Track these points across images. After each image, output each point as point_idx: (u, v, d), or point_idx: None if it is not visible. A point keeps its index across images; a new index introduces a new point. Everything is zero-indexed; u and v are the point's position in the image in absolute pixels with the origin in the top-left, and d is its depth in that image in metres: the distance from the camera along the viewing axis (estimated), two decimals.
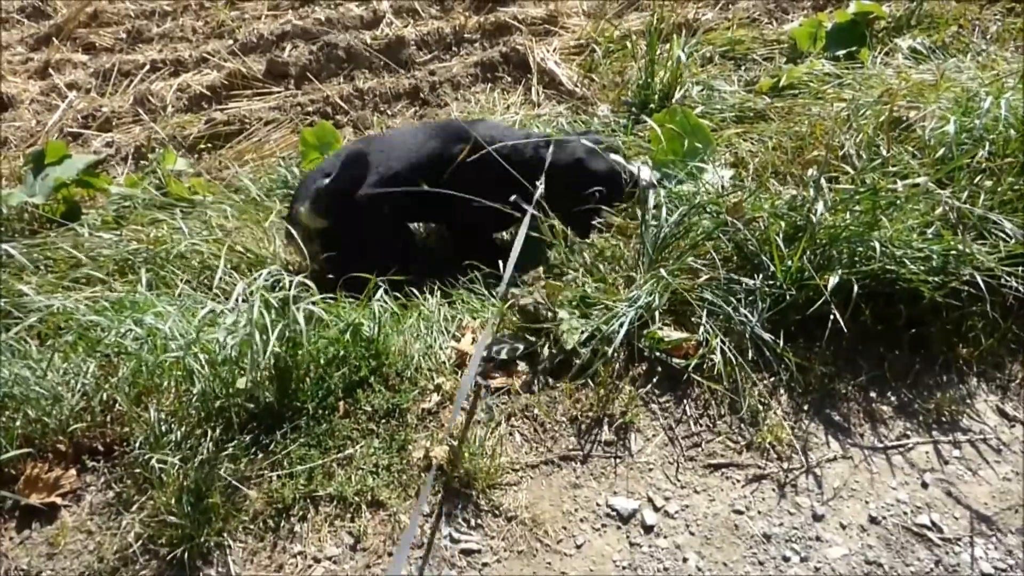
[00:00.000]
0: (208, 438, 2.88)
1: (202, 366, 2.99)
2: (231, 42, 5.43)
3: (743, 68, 4.91)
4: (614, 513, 2.77)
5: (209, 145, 4.84)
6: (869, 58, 4.65)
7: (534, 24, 5.39)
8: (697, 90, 4.66)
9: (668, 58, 4.57)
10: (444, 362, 3.18)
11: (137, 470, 2.79)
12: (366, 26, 5.49)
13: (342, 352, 3.14)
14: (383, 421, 3.02)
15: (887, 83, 4.04)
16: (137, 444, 2.82)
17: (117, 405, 2.97)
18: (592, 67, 4.93)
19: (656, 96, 4.50)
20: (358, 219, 3.65)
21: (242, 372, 3.05)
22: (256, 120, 4.91)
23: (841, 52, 4.59)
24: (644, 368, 3.13)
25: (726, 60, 4.95)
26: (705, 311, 3.12)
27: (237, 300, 3.02)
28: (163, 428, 2.82)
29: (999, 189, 3.16)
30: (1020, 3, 5.16)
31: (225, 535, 2.64)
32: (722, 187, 3.66)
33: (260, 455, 2.89)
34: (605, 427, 3.01)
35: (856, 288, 2.99)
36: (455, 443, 2.88)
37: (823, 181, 3.15)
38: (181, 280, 3.55)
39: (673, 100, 4.49)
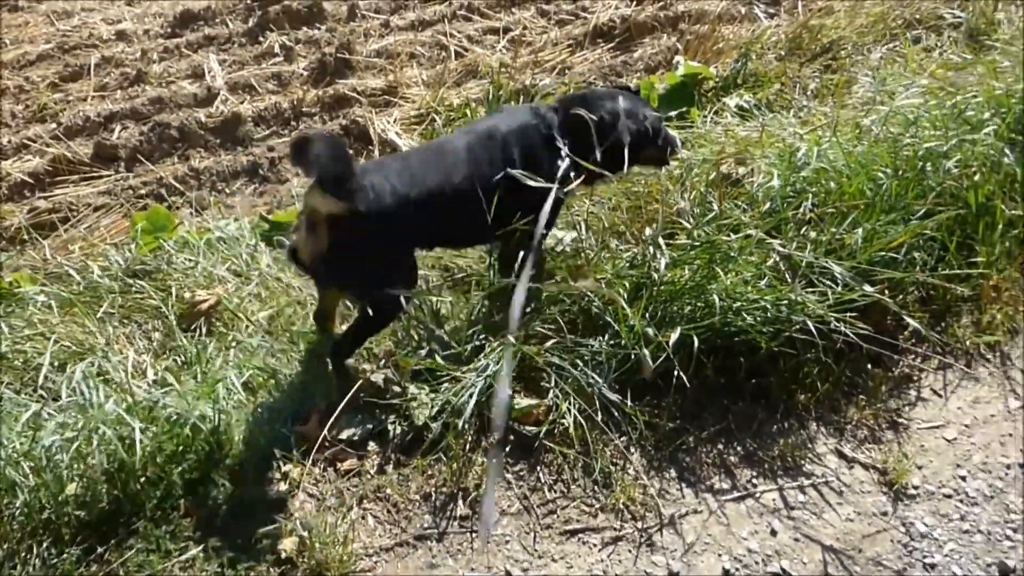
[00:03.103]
0: (34, 555, 2.68)
1: (25, 475, 2.79)
2: (54, 126, 5.20)
3: None
4: None
5: (34, 235, 4.58)
6: (699, 117, 4.85)
7: (374, 95, 5.39)
8: None
9: None
10: (292, 449, 3.06)
11: None
12: (200, 104, 5.36)
13: (182, 447, 2.99)
14: (228, 516, 2.87)
15: (715, 141, 4.20)
16: None
17: None
18: (435, 136, 4.96)
19: None
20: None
21: (72, 478, 2.86)
22: (84, 206, 4.68)
23: (673, 113, 4.77)
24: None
25: None
26: (554, 376, 3.13)
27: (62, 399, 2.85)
28: None
29: (823, 239, 3.30)
30: (836, 60, 5.50)
31: None
32: (564, 250, 3.70)
33: (94, 567, 2.70)
34: (460, 502, 2.96)
35: (696, 342, 3.06)
36: (305, 533, 2.77)
37: (660, 239, 3.23)
38: (2, 383, 3.32)
39: None
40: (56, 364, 3.34)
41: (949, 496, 2.98)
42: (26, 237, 4.47)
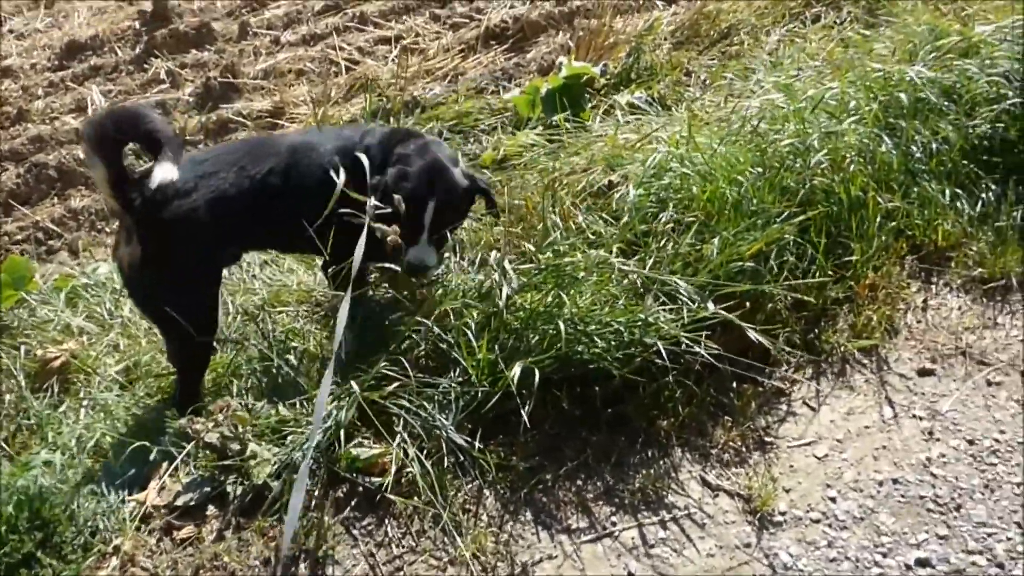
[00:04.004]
0: None
1: None
2: None
3: (471, 141, 4.84)
4: None
5: None
6: (591, 118, 4.67)
7: (260, 118, 5.20)
8: None
9: None
10: (125, 519, 2.88)
11: None
12: (81, 140, 5.17)
13: (3, 527, 2.81)
14: None
15: (590, 149, 4.02)
16: None
17: None
18: None
19: None
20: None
21: None
22: None
23: (559, 116, 4.58)
24: (344, 491, 2.93)
25: (454, 134, 4.87)
26: (401, 421, 2.95)
27: None
28: None
29: (680, 251, 3.13)
30: (733, 46, 5.32)
31: None
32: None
33: None
34: (302, 564, 2.78)
35: (542, 374, 2.89)
36: None
37: (506, 264, 3.05)
38: None
39: None
40: None
41: (817, 521, 2.81)
42: None
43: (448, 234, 3.20)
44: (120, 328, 3.84)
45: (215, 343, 3.29)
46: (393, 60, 5.61)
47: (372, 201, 2.96)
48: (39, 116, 5.56)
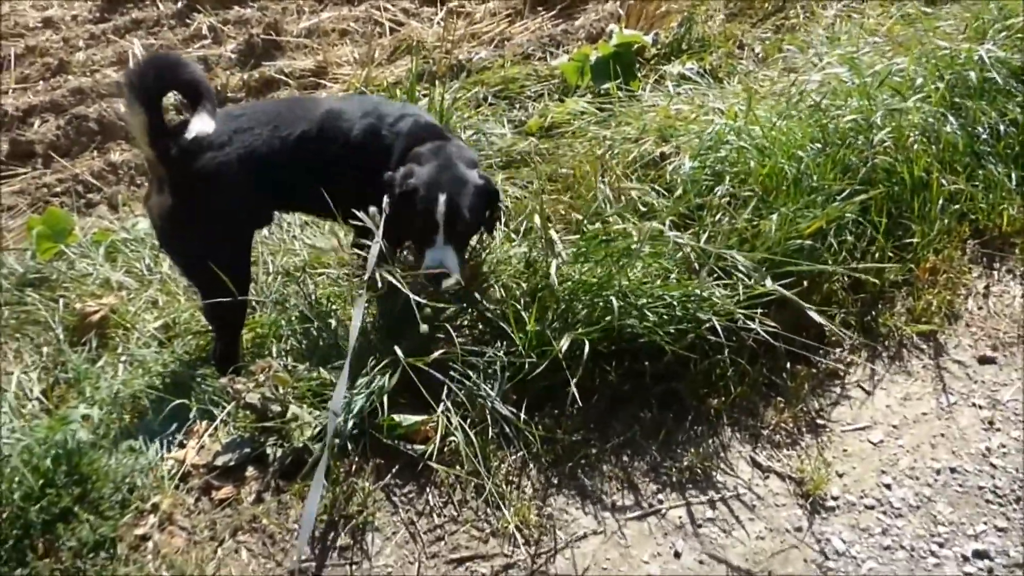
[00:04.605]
0: None
1: None
2: None
3: (517, 107, 4.74)
4: None
5: None
6: (640, 88, 4.56)
7: (303, 77, 5.12)
8: (468, 135, 4.46)
9: (432, 104, 4.36)
10: (163, 477, 2.84)
11: None
12: (121, 93, 5.12)
13: (42, 481, 2.78)
14: (90, 556, 2.66)
15: (642, 118, 3.91)
16: None
17: None
18: None
19: None
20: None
21: None
22: None
23: (608, 85, 4.47)
24: (384, 458, 2.87)
25: (499, 100, 4.77)
26: (445, 389, 2.89)
27: None
28: None
29: (737, 227, 3.03)
30: (787, 20, 5.17)
31: None
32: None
33: None
34: (341, 530, 2.74)
35: (590, 347, 2.81)
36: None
37: (553, 235, 2.97)
38: None
39: None
40: None
41: (871, 507, 2.73)
42: None
43: (467, 238, 3.02)
44: (159, 284, 3.80)
45: (254, 303, 3.24)
46: (439, 23, 5.50)
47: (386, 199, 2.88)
48: (80, 68, 5.51)
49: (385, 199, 2.87)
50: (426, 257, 2.87)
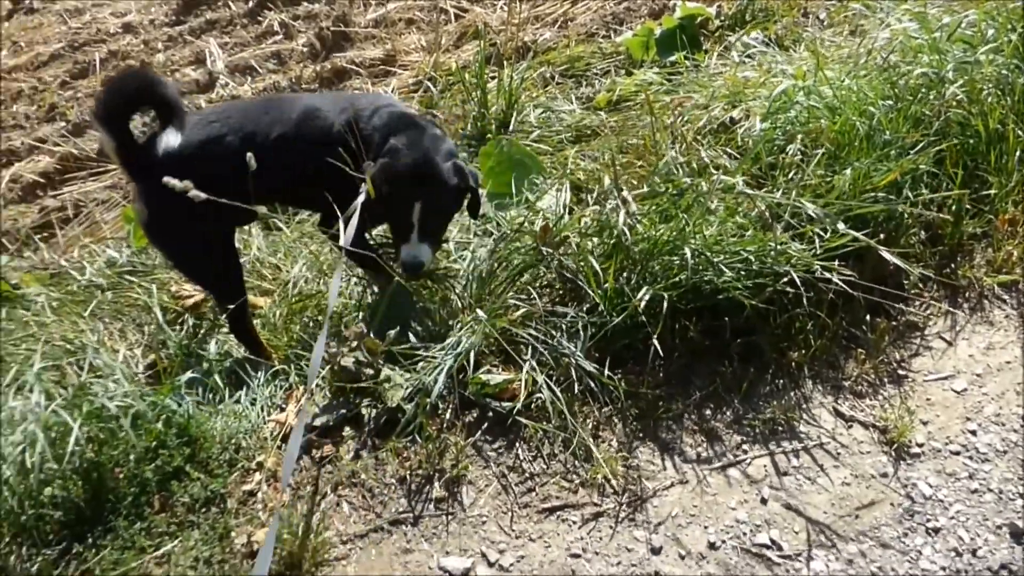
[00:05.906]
0: (15, 556, 2.68)
1: (6, 480, 2.79)
2: (63, 124, 5.23)
3: (584, 84, 4.82)
4: (446, 574, 2.61)
5: (45, 234, 4.64)
6: (705, 60, 4.60)
7: (373, 66, 5.27)
8: (537, 113, 4.56)
9: (500, 86, 4.47)
10: (267, 437, 3.00)
11: None
12: (201, 90, 5.34)
13: (154, 443, 2.96)
14: (202, 511, 2.82)
15: (710, 86, 3.97)
16: None
17: None
18: (432, 103, 4.82)
19: (492, 126, 4.39)
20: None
21: (50, 480, 2.86)
22: (91, 202, 4.72)
23: (673, 57, 4.53)
24: (475, 416, 2.99)
25: (566, 79, 4.86)
26: (529, 348, 2.99)
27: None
28: None
29: (811, 182, 3.07)
30: None
31: None
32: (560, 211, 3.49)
33: (72, 566, 2.69)
34: (436, 483, 2.85)
35: (669, 302, 2.89)
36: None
37: (627, 193, 3.04)
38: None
39: (510, 127, 4.39)
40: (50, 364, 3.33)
41: (957, 453, 2.75)
42: (31, 237, 4.53)
43: (442, 230, 3.24)
44: (248, 267, 3.97)
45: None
46: (502, 7, 5.61)
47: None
48: (160, 69, 5.74)
49: (362, 187, 2.96)
50: (402, 252, 3.09)
